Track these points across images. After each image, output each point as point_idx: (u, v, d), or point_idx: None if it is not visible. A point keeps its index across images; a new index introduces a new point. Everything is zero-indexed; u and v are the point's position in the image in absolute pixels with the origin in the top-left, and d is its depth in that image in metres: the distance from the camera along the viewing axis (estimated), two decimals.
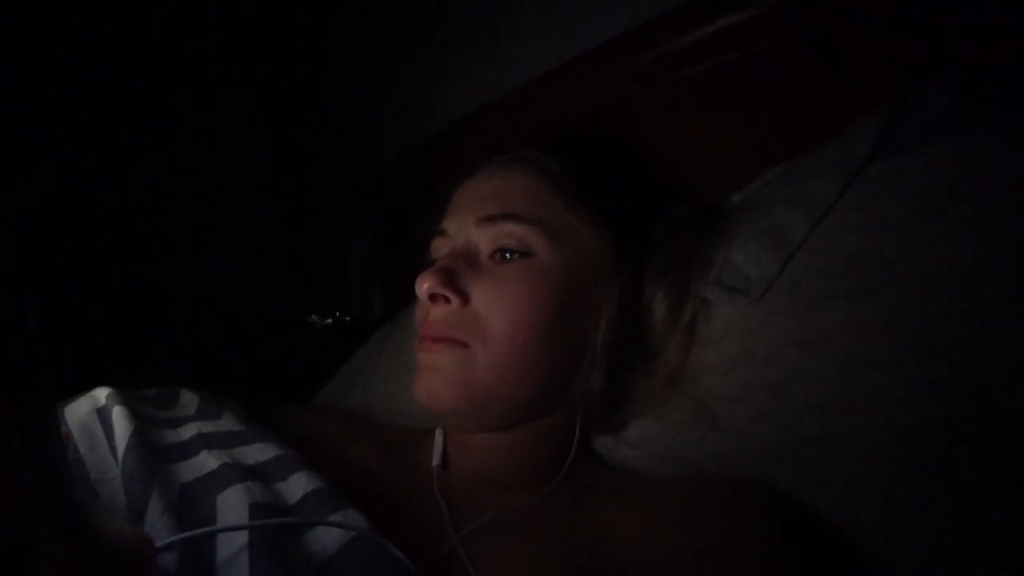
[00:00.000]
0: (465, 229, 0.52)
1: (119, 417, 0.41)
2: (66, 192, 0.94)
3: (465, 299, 0.48)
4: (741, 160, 0.62)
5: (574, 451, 0.51)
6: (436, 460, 0.50)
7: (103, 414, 0.42)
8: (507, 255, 0.49)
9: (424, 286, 0.47)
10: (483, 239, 0.51)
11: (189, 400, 0.51)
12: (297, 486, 0.40)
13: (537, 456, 0.51)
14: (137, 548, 0.26)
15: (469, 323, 0.48)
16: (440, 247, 0.54)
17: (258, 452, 0.43)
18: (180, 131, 1.10)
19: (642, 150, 0.70)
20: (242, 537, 0.33)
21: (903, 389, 0.40)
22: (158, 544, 0.31)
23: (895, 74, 0.54)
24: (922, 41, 0.53)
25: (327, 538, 0.35)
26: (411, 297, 0.51)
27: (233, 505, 0.36)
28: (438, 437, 0.52)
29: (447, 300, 0.48)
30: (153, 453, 0.39)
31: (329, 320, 1.13)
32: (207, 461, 0.40)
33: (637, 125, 0.70)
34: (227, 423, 0.47)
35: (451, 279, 0.48)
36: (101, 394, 0.44)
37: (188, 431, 0.44)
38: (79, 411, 0.42)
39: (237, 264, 1.18)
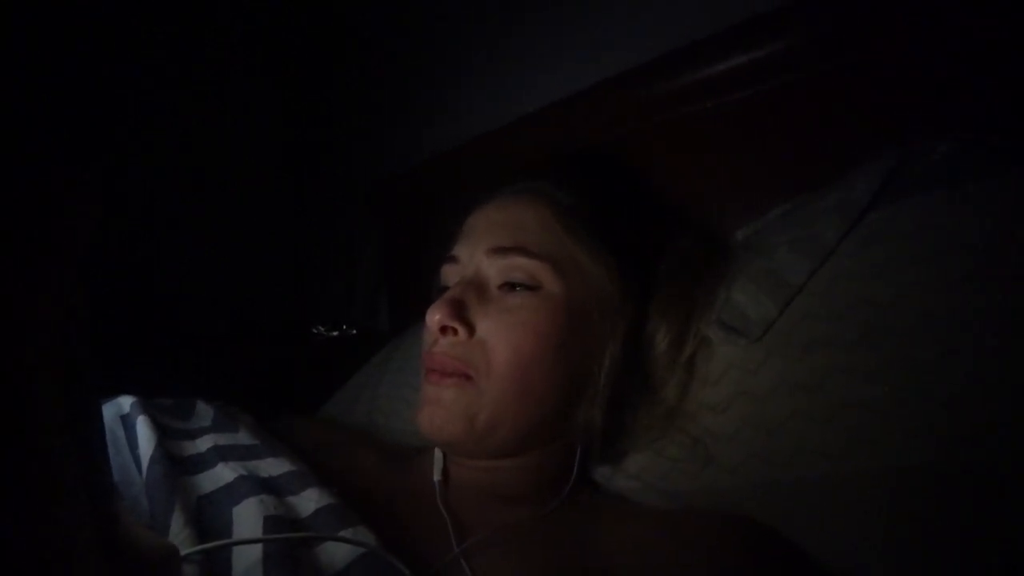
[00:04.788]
0: (476, 258, 0.53)
1: (142, 426, 0.43)
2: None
3: (472, 331, 0.50)
4: (746, 196, 0.64)
5: (573, 478, 0.52)
6: (437, 476, 0.52)
7: (127, 421, 0.44)
8: (515, 287, 0.51)
9: (435, 318, 0.49)
10: (493, 269, 0.52)
11: (205, 412, 0.53)
12: (310, 500, 0.41)
13: (536, 481, 0.53)
14: (165, 557, 0.28)
15: (474, 353, 0.49)
16: (450, 274, 0.56)
17: (272, 466, 0.45)
18: (193, 138, 1.11)
19: (649, 182, 0.71)
20: (257, 550, 0.34)
21: (896, 434, 0.41)
22: (183, 553, 0.32)
23: (898, 120, 0.56)
24: (925, 90, 0.54)
25: (337, 553, 0.36)
26: (417, 313, 0.52)
27: (248, 518, 0.37)
28: (437, 454, 0.54)
29: (455, 331, 0.50)
30: (174, 464, 0.41)
31: (335, 332, 1.14)
32: (224, 473, 0.42)
33: (645, 157, 0.72)
34: (243, 436, 0.49)
35: (460, 311, 0.50)
36: (126, 402, 0.46)
37: (205, 443, 0.46)
38: (105, 417, 0.44)
39: (245, 273, 1.19)
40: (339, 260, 1.21)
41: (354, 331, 1.15)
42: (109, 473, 0.25)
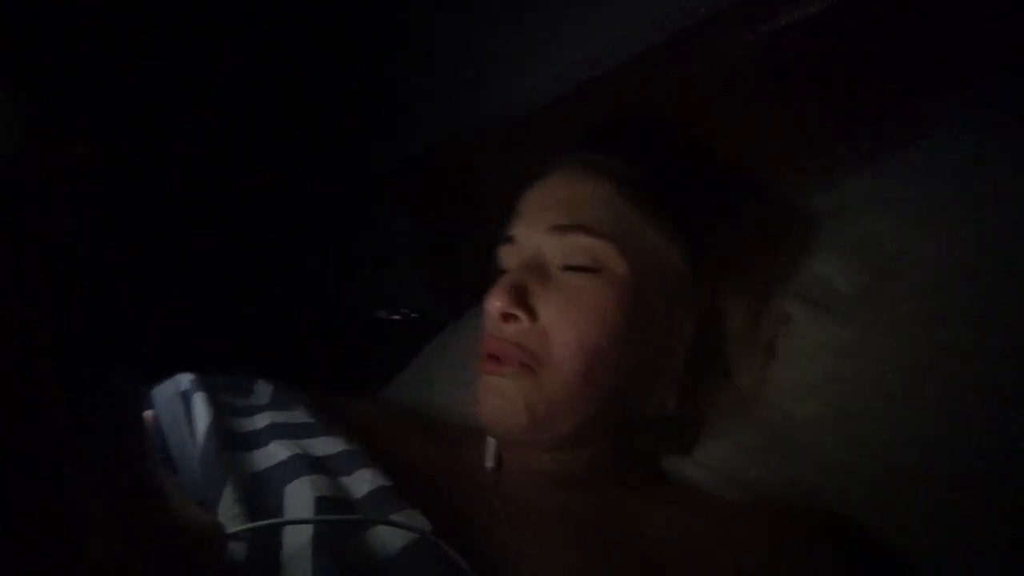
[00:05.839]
0: (534, 238, 0.50)
1: (199, 403, 0.43)
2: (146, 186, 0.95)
3: (534, 317, 0.47)
4: (824, 158, 0.57)
5: (639, 468, 0.49)
6: (490, 462, 0.50)
7: (185, 398, 0.44)
8: (578, 269, 0.48)
9: (496, 304, 0.47)
10: (553, 250, 0.49)
11: (263, 390, 0.53)
12: (362, 482, 0.40)
13: (597, 470, 0.50)
14: (207, 533, 0.27)
15: (535, 341, 0.47)
16: (508, 256, 0.53)
17: (326, 445, 0.44)
18: (251, 124, 1.10)
19: (716, 149, 0.66)
20: (307, 531, 0.33)
21: (1018, 423, 0.35)
22: (229, 531, 0.31)
23: (990, 57, 0.48)
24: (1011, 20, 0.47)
25: (389, 538, 0.35)
26: (478, 296, 0.50)
27: (300, 497, 0.36)
28: (491, 439, 0.51)
29: (516, 318, 0.47)
30: (229, 441, 0.40)
31: (396, 316, 1.14)
32: (278, 451, 0.41)
33: (710, 122, 0.66)
34: (299, 414, 0.48)
35: (521, 297, 0.47)
36: (185, 379, 0.46)
37: (262, 420, 0.45)
38: (164, 394, 0.44)
39: (308, 257, 1.20)
40: (399, 244, 1.21)
41: (415, 315, 1.15)
42: (142, 446, 0.25)
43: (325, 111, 1.22)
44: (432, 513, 0.38)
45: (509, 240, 0.53)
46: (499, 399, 0.47)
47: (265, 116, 1.14)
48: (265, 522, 0.33)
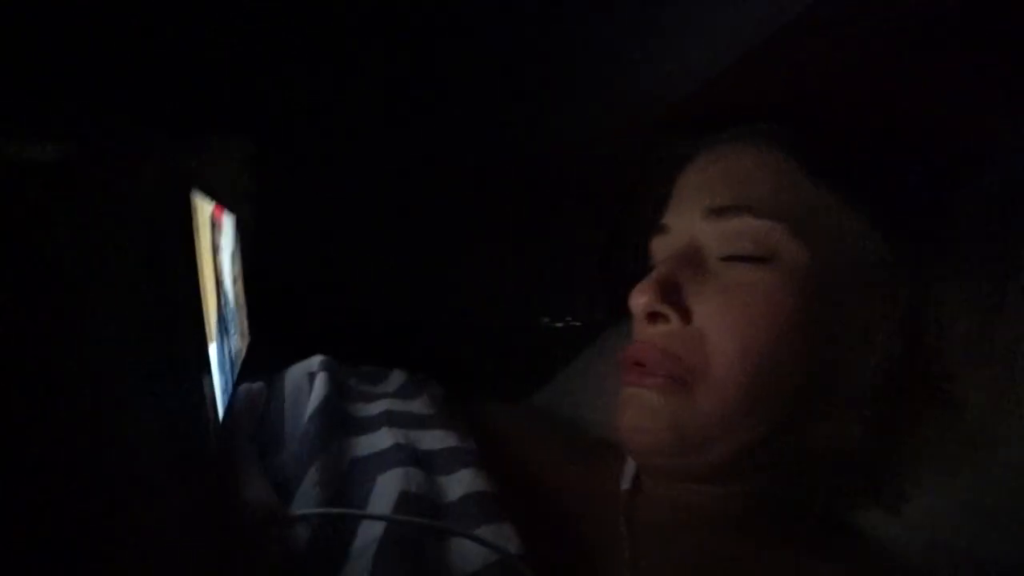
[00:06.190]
0: (689, 225, 0.43)
1: (319, 383, 0.43)
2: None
3: (687, 316, 0.40)
4: None
5: (815, 514, 0.40)
6: (626, 484, 0.43)
7: (311, 377, 0.45)
8: (743, 259, 0.40)
9: (641, 301, 0.41)
10: (711, 237, 0.42)
11: (395, 379, 0.52)
12: (460, 483, 0.37)
13: (755, 511, 0.41)
14: (265, 516, 0.26)
15: (689, 347, 0.39)
16: (661, 247, 0.46)
17: (436, 439, 0.42)
18: (417, 128, 1.14)
19: (922, 110, 0.51)
20: (380, 526, 0.31)
21: None
22: (297, 513, 0.30)
23: None
24: None
25: (472, 552, 0.31)
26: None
27: (387, 489, 0.34)
28: (630, 460, 0.45)
29: (666, 318, 0.41)
30: (335, 423, 0.40)
31: (559, 324, 1.12)
32: (383, 439, 0.40)
33: (912, 76, 0.52)
34: (418, 405, 0.47)
35: (671, 293, 0.40)
36: (316, 360, 0.47)
37: (378, 407, 0.45)
38: (296, 373, 0.46)
39: (473, 262, 1.21)
40: (562, 250, 1.19)
41: (578, 323, 1.12)
42: (209, 432, 0.24)
43: (481, 111, 1.24)
44: (539, 530, 0.34)
45: (661, 230, 0.46)
46: (641, 414, 0.40)
47: (433, 119, 1.19)
48: (323, 510, 0.31)
